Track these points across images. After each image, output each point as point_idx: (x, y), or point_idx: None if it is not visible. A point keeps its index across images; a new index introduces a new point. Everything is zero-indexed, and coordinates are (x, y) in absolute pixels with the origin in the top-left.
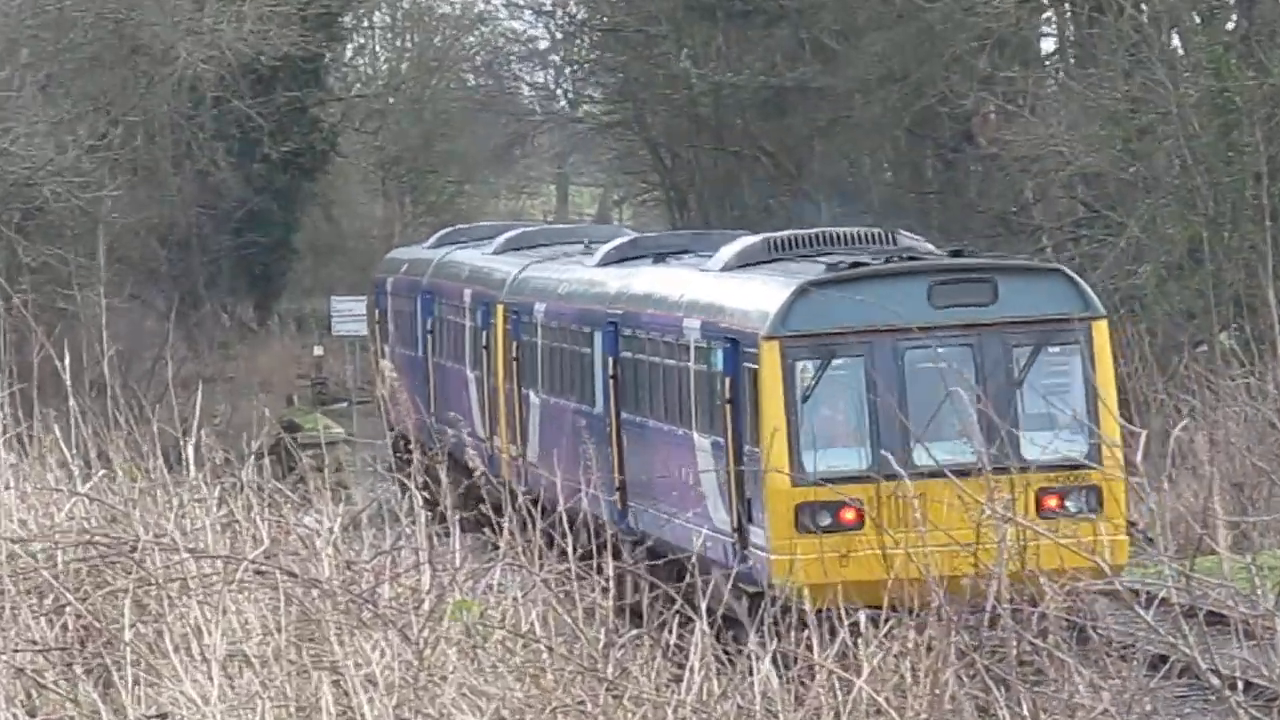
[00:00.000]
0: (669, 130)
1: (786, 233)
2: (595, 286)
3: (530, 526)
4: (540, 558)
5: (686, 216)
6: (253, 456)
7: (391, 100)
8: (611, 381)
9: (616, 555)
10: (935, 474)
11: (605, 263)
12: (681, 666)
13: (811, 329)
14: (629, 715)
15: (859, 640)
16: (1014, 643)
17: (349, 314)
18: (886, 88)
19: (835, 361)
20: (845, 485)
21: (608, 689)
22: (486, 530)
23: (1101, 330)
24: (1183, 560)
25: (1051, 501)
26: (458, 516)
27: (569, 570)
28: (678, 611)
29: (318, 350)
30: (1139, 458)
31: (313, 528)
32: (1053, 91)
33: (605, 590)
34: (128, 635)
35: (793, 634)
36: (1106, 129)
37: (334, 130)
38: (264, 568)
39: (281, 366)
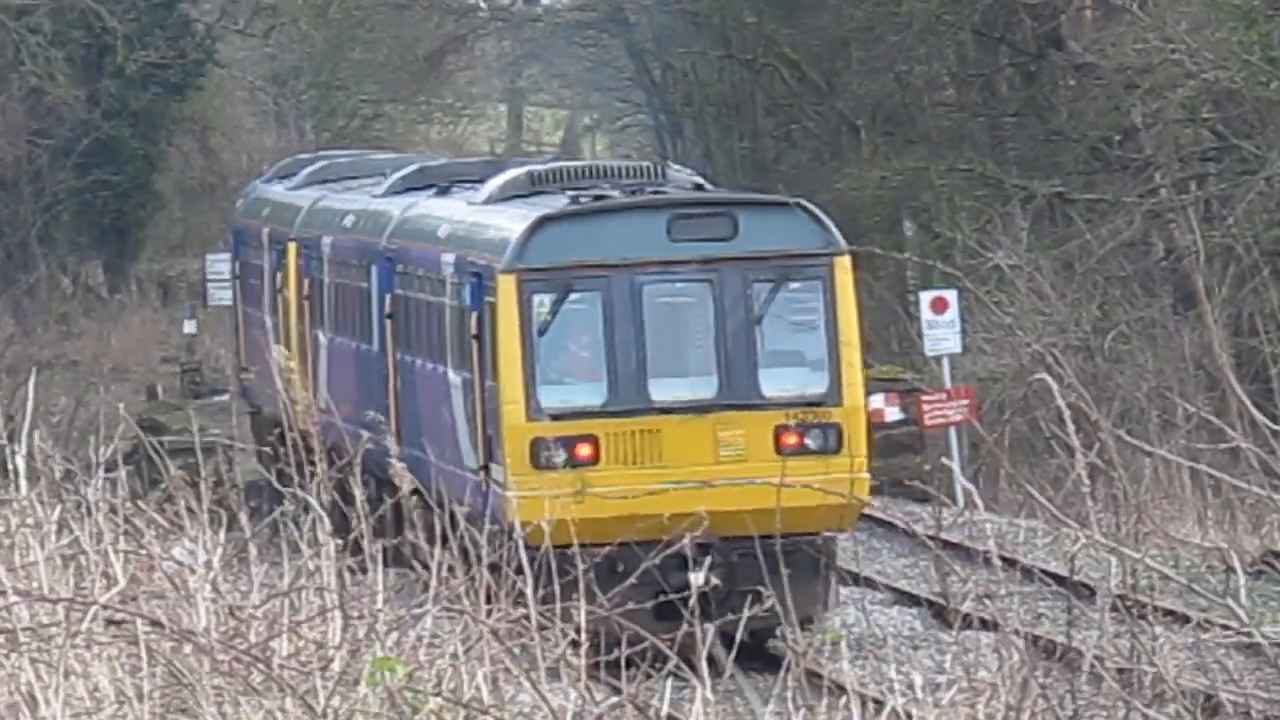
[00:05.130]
0: (659, 33)
1: (551, 164)
2: (376, 219)
3: (475, 558)
4: (489, 599)
5: (682, 147)
6: (104, 467)
7: None
8: (388, 320)
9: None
10: (672, 409)
11: (391, 192)
12: None
13: (548, 263)
14: None
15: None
16: (1121, 711)
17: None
18: None
19: (572, 295)
20: (581, 421)
21: None
22: (416, 564)
23: (843, 266)
24: None
25: (790, 439)
26: (378, 546)
27: (526, 616)
28: (674, 668)
29: (189, 326)
30: None
31: (184, 562)
32: None
33: (575, 644)
34: None
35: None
36: (1240, 31)
37: (211, 33)
38: (120, 615)
39: (141, 347)
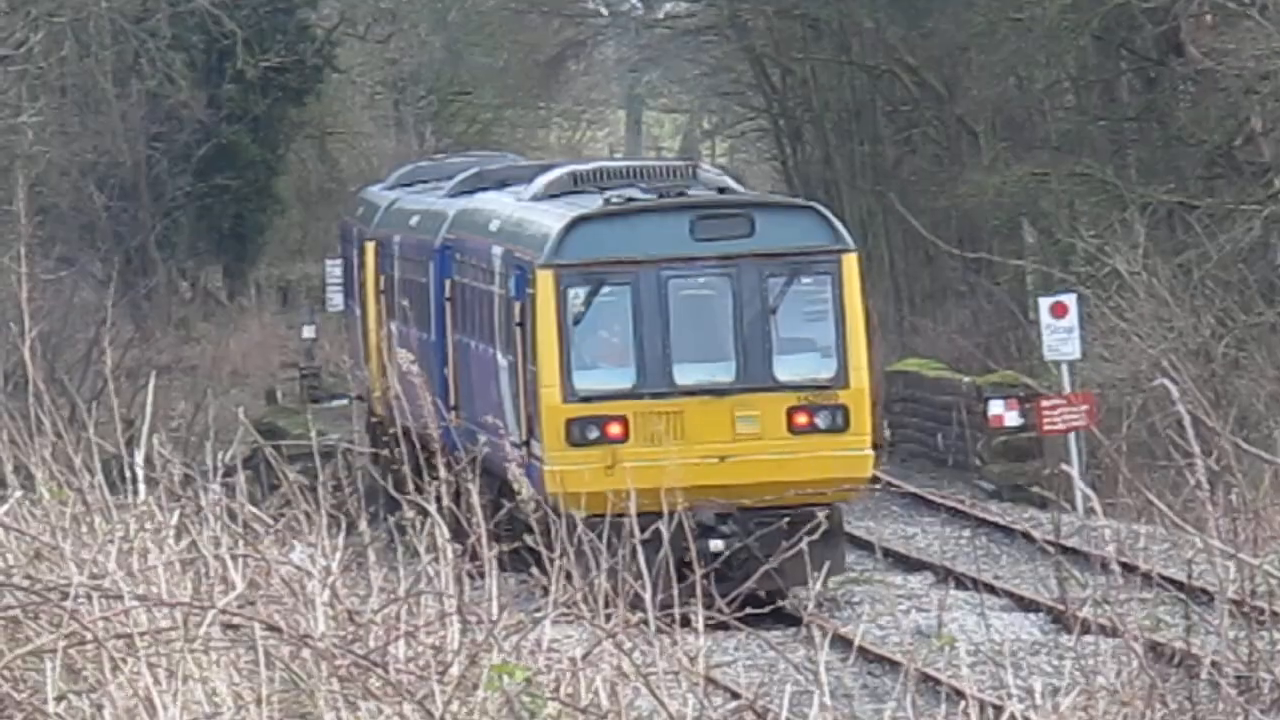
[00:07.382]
0: (777, 37)
1: (591, 164)
2: (438, 217)
3: (593, 562)
4: (607, 604)
5: (801, 152)
6: (222, 472)
7: None
8: (448, 304)
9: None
10: (694, 392)
11: (453, 193)
12: None
13: (582, 259)
14: None
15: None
16: (1240, 717)
17: None
18: None
19: (604, 288)
20: (611, 402)
21: None
22: (534, 569)
23: (850, 262)
24: None
25: (801, 419)
26: (495, 551)
27: (645, 621)
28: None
29: (308, 331)
30: None
31: (302, 567)
32: None
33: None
34: (56, 709)
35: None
36: None
37: (330, 38)
38: (238, 620)
39: (260, 352)
